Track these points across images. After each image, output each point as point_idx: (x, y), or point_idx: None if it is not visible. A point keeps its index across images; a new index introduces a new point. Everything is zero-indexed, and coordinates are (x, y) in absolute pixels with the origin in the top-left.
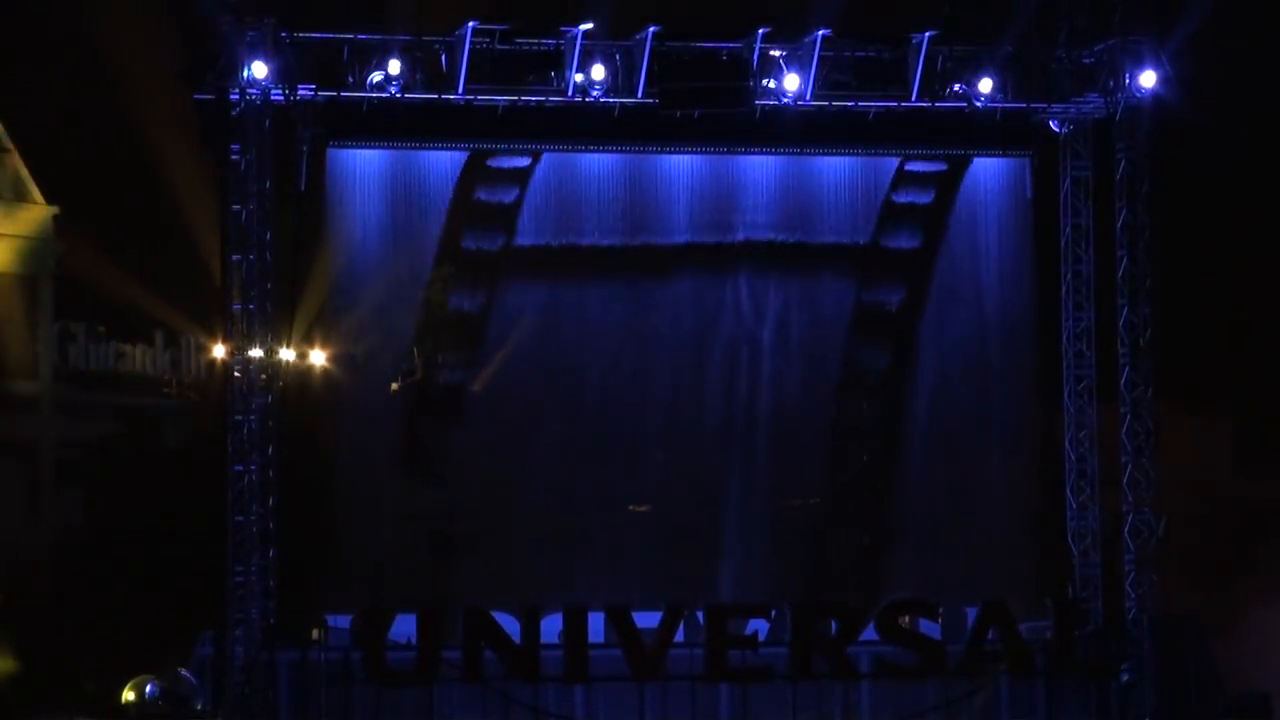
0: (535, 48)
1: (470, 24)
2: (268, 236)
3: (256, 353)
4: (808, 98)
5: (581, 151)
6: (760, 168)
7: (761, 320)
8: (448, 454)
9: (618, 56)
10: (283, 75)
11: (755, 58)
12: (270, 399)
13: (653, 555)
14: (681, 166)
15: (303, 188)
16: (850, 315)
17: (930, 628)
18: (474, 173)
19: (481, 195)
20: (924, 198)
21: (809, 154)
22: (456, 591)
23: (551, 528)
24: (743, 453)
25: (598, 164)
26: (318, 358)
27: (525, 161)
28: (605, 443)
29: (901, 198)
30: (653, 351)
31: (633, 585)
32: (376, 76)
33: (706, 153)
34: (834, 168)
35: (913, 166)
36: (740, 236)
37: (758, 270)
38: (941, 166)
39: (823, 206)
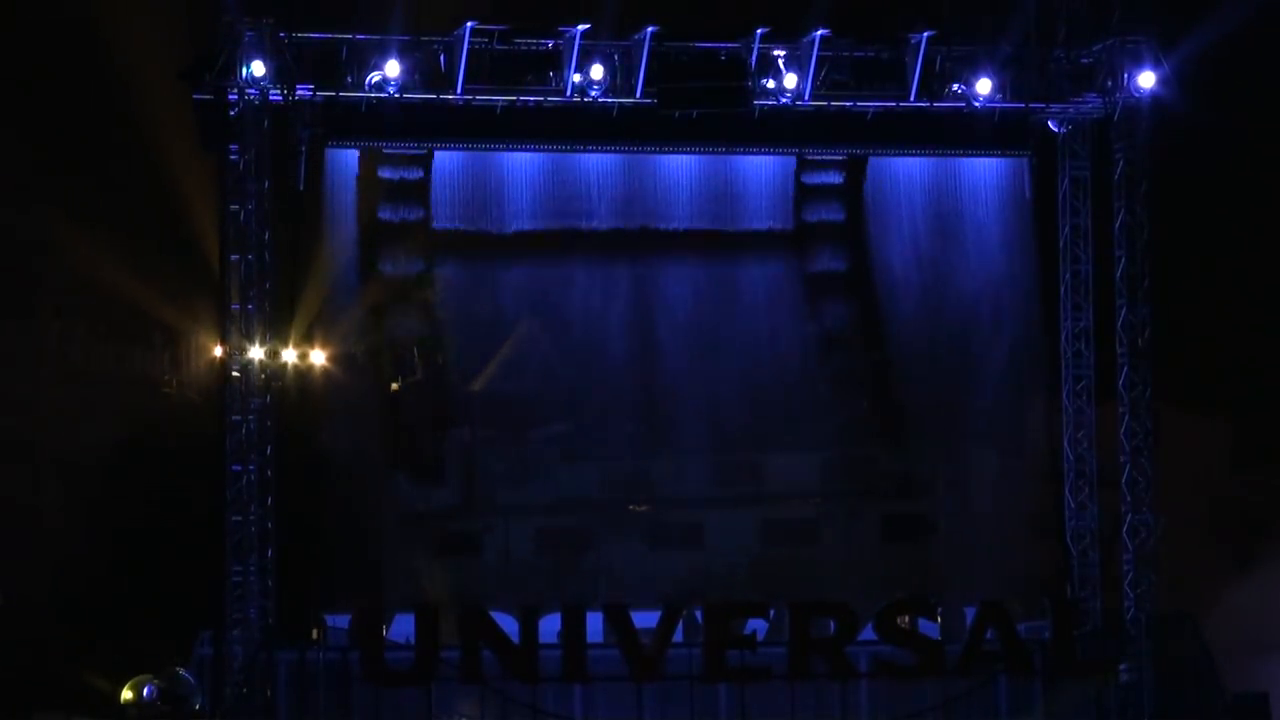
0: (534, 48)
1: (469, 24)
2: (266, 236)
3: (256, 353)
4: (806, 97)
5: (580, 151)
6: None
7: (755, 320)
8: (447, 453)
9: (616, 56)
10: (281, 75)
11: (754, 58)
12: (269, 399)
13: (652, 555)
14: (680, 166)
15: (301, 187)
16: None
17: (929, 628)
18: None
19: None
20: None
21: (808, 154)
22: (456, 591)
23: (552, 527)
24: (747, 453)
25: (598, 164)
26: (318, 358)
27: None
28: (606, 441)
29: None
30: (649, 344)
31: (632, 585)
32: (375, 76)
33: (705, 153)
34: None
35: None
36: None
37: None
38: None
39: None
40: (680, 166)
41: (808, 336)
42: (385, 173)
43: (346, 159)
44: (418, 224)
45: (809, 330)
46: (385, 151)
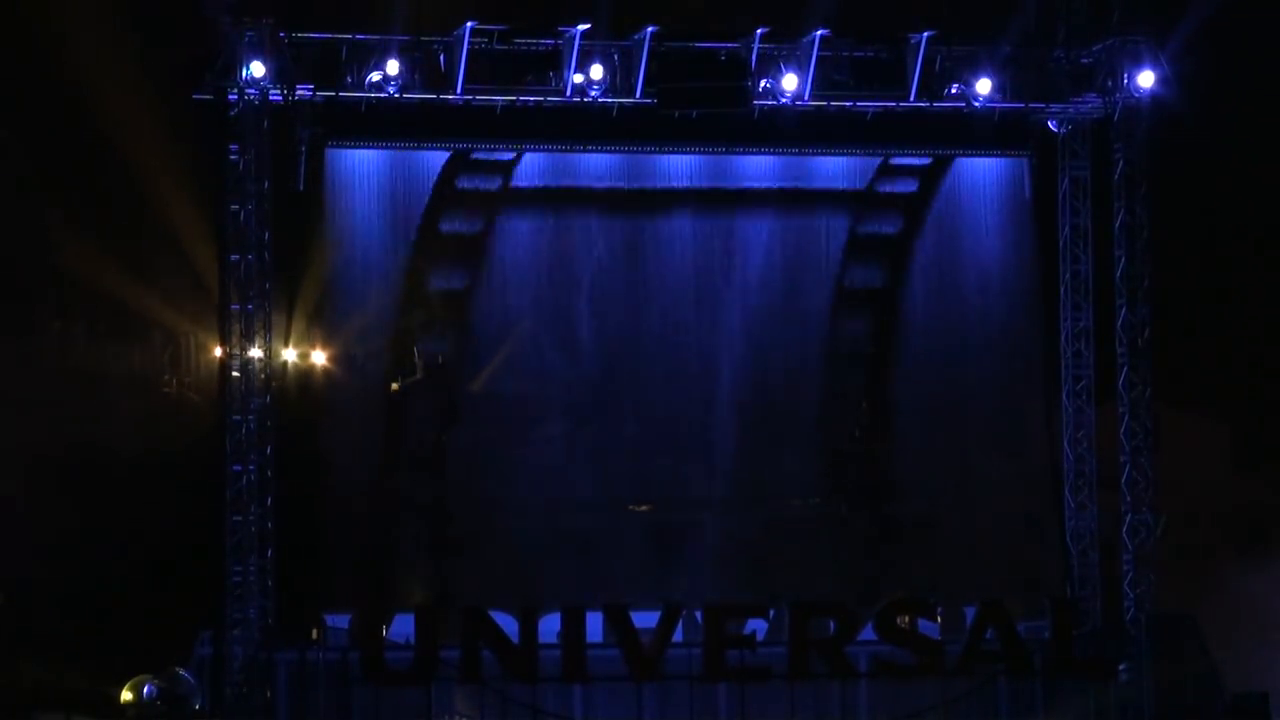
0: (533, 48)
1: (468, 24)
2: (266, 236)
3: (255, 353)
4: (806, 98)
5: (580, 151)
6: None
7: (757, 319)
8: (447, 453)
9: (616, 56)
10: (281, 75)
11: (753, 58)
12: (269, 399)
13: (653, 555)
14: (680, 166)
15: (301, 187)
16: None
17: (929, 627)
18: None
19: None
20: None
21: (808, 154)
22: (456, 591)
23: (551, 527)
24: (746, 453)
25: (597, 164)
26: (317, 358)
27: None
28: (606, 442)
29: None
30: (650, 343)
31: (632, 585)
32: (375, 76)
33: (705, 153)
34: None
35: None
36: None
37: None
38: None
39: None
40: (680, 166)
41: (809, 336)
42: (463, 182)
43: (347, 158)
44: (425, 225)
45: (810, 329)
46: (473, 156)
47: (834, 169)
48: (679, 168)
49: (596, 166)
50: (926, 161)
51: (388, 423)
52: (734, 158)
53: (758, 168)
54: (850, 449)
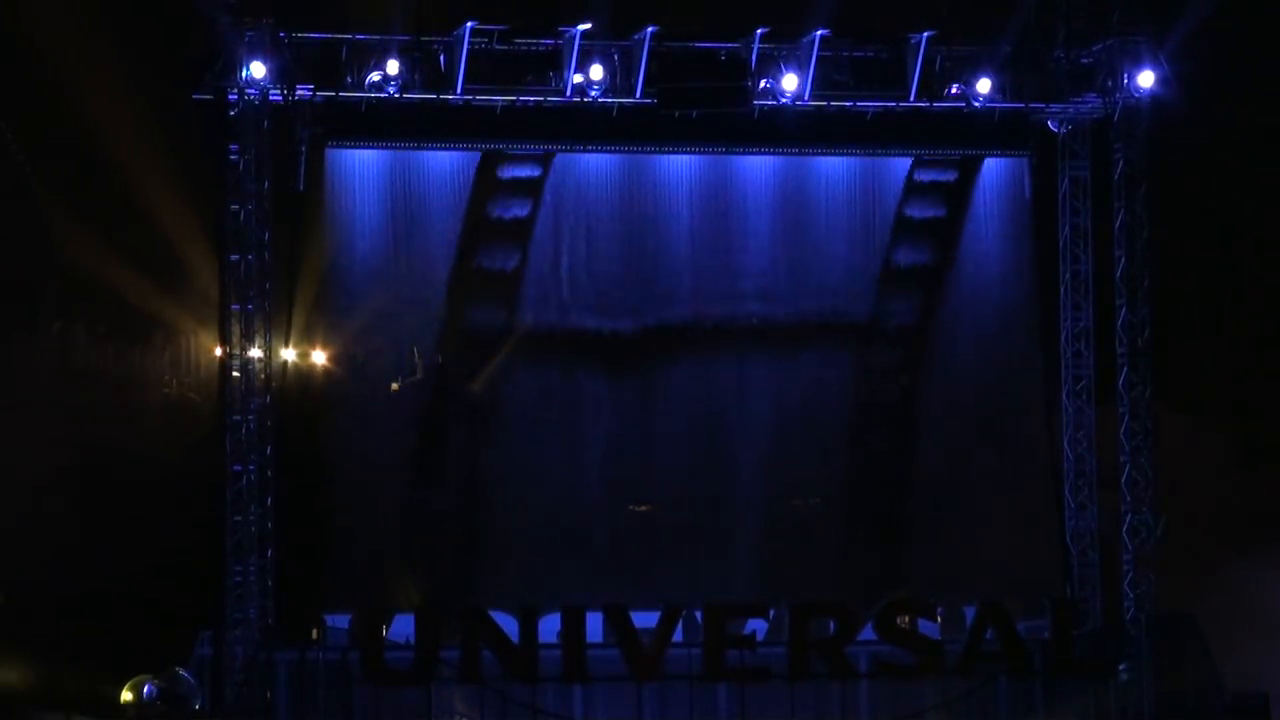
0: (534, 48)
1: (469, 24)
2: (266, 236)
3: (255, 353)
4: (806, 98)
5: (580, 151)
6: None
7: (754, 318)
8: (448, 454)
9: (616, 56)
10: (281, 75)
11: (753, 58)
12: (269, 399)
13: (652, 555)
14: (680, 166)
15: (301, 187)
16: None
17: (929, 627)
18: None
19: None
20: (935, 210)
21: (808, 154)
22: (456, 591)
23: (551, 527)
24: (744, 451)
25: (597, 164)
26: (318, 357)
27: (536, 171)
28: (608, 443)
29: (913, 211)
30: (649, 341)
31: (632, 585)
32: (375, 76)
33: (705, 153)
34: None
35: (921, 176)
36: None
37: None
38: (952, 175)
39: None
40: (682, 166)
41: (807, 337)
42: (503, 172)
43: (347, 158)
44: (426, 224)
45: (808, 331)
46: (508, 153)
47: (838, 169)
48: (681, 169)
49: (597, 166)
50: (942, 212)
51: (388, 422)
52: (734, 157)
53: (760, 168)
54: (850, 449)
